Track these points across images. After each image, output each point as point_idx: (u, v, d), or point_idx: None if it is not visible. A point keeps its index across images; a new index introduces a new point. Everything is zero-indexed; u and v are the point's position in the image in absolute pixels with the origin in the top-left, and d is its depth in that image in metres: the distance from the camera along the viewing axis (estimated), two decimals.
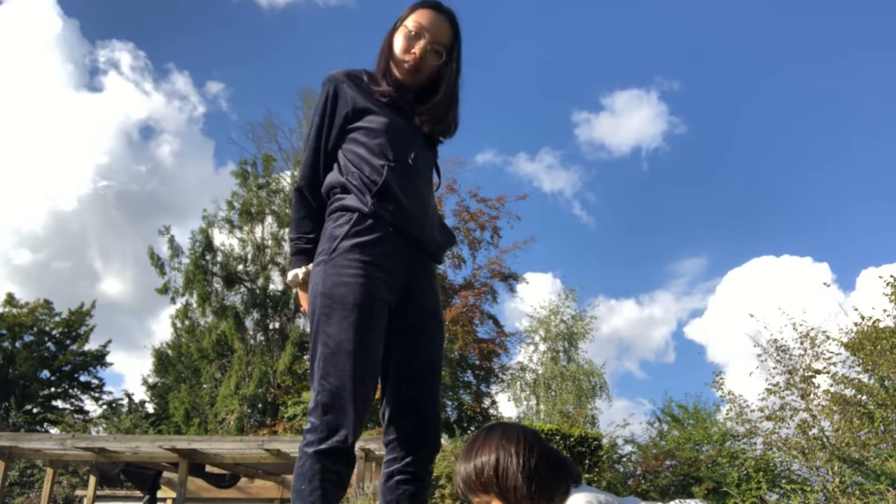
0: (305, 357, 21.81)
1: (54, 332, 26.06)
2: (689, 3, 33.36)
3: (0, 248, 33.66)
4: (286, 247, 22.34)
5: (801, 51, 32.50)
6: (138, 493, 12.35)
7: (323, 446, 1.85)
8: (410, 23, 2.04)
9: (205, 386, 21.05)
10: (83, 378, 26.46)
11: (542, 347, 22.13)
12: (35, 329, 25.57)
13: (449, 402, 20.36)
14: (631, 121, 32.81)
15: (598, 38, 33.85)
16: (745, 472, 11.80)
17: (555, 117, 34.38)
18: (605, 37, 33.95)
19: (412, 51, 2.02)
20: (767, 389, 10.55)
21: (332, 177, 2.01)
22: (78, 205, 32.75)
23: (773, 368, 10.53)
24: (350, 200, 1.93)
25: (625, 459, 20.50)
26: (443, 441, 19.22)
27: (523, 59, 34.00)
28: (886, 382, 10.57)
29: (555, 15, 33.17)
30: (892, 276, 10.83)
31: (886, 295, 10.91)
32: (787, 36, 32.43)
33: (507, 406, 22.02)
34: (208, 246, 21.48)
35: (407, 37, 2.03)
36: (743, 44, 33.45)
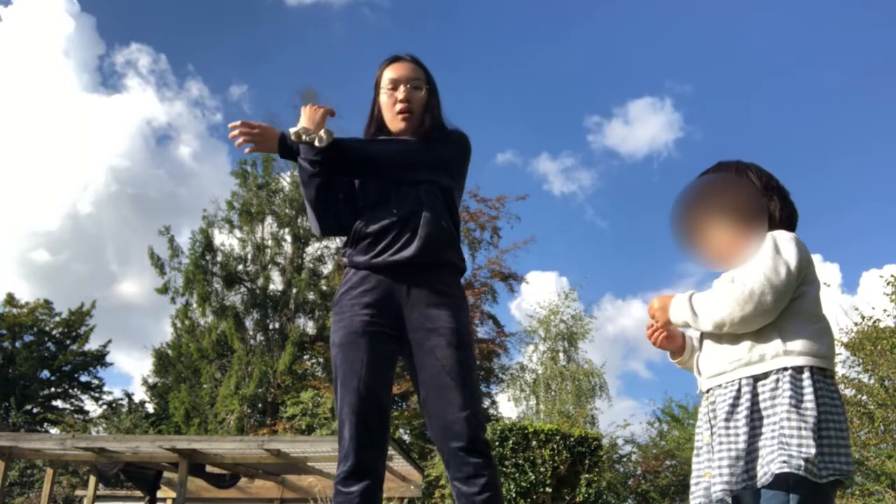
0: (306, 357, 21.82)
1: (54, 332, 26.04)
2: (694, 5, 33.37)
3: (18, 249, 33.84)
4: (286, 247, 22.34)
5: (809, 53, 32.52)
6: (138, 493, 12.33)
7: (339, 472, 2.08)
8: (384, 82, 2.30)
9: (205, 386, 21.03)
10: (83, 378, 26.46)
11: (542, 347, 22.13)
12: (35, 329, 25.55)
13: None
14: (644, 126, 32.97)
15: (608, 48, 33.92)
16: None
17: (568, 122, 34.51)
18: (614, 46, 34.04)
19: (398, 98, 2.26)
20: None
21: None
22: (95, 207, 32.81)
23: None
24: None
25: (625, 459, 20.49)
26: None
27: (532, 68, 34.06)
28: (886, 382, 10.57)
29: (559, 26, 33.19)
30: (892, 275, 10.82)
31: (887, 295, 10.91)
32: (794, 38, 32.44)
33: (507, 406, 22.02)
34: (208, 246, 21.46)
35: (388, 93, 2.29)
36: (749, 46, 33.46)
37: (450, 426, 2.04)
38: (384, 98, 2.30)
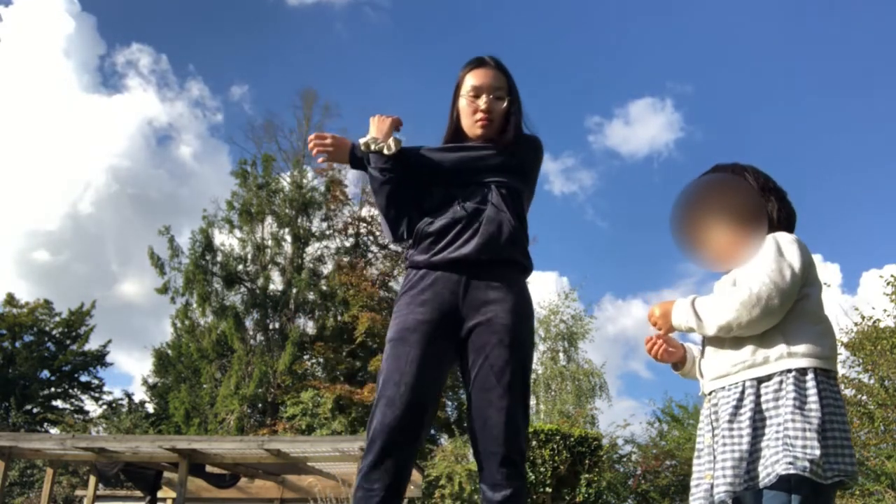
0: (306, 357, 21.82)
1: (54, 332, 26.04)
2: (695, 6, 33.38)
3: (19, 249, 33.88)
4: (286, 247, 22.34)
5: (809, 53, 32.51)
6: (138, 493, 12.33)
7: (361, 465, 2.05)
8: (465, 88, 2.28)
9: (205, 386, 21.02)
10: (83, 378, 26.46)
11: (542, 347, 22.13)
12: (35, 329, 25.55)
13: (449, 402, 20.36)
14: (645, 127, 33.01)
15: (609, 49, 33.94)
16: None
17: (569, 123, 34.51)
18: (615, 47, 34.06)
19: (479, 108, 2.25)
20: None
21: None
22: (95, 207, 32.81)
23: None
24: None
25: (625, 459, 20.49)
26: (442, 441, 19.20)
27: (533, 68, 34.05)
28: (886, 382, 10.57)
29: (560, 27, 33.20)
30: (892, 275, 10.82)
31: (887, 295, 10.90)
32: (795, 38, 32.45)
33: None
34: (208, 246, 21.45)
35: (469, 100, 2.27)
36: (750, 47, 33.47)
37: (489, 430, 2.01)
38: (464, 103, 2.28)
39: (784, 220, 1.76)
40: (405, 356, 2.06)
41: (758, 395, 1.60)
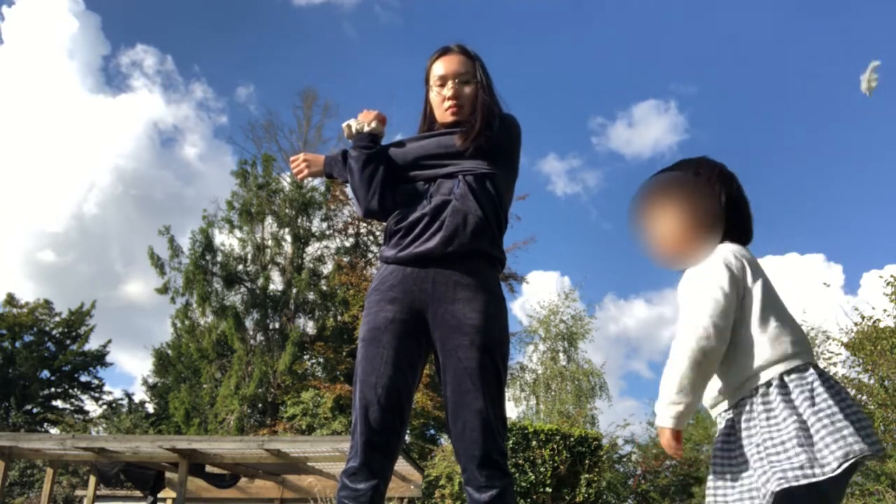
0: (306, 357, 21.82)
1: (54, 332, 26.06)
2: (699, 7, 33.38)
3: (24, 249, 33.95)
4: (286, 247, 22.33)
5: (813, 55, 32.53)
6: (138, 493, 12.33)
7: (347, 466, 2.06)
8: (433, 79, 2.29)
9: (205, 386, 21.03)
10: (83, 378, 26.48)
11: (542, 347, 22.14)
12: (35, 329, 25.56)
13: None
14: (648, 128, 33.08)
15: (613, 51, 33.96)
16: None
17: (572, 124, 34.55)
18: (618, 49, 34.08)
19: (446, 97, 2.24)
20: None
21: None
22: (100, 208, 32.87)
23: None
24: None
25: (625, 459, 20.51)
26: (442, 441, 19.18)
27: (537, 69, 34.10)
28: (886, 382, 10.57)
29: (565, 28, 33.21)
30: (892, 276, 10.83)
31: (887, 295, 10.91)
32: (798, 40, 32.45)
33: (506, 406, 22.05)
34: (208, 246, 21.45)
35: (437, 90, 2.28)
36: (753, 48, 33.48)
37: (467, 432, 1.99)
38: (433, 95, 2.28)
39: (744, 233, 1.75)
40: (379, 357, 2.05)
41: (734, 422, 1.60)
